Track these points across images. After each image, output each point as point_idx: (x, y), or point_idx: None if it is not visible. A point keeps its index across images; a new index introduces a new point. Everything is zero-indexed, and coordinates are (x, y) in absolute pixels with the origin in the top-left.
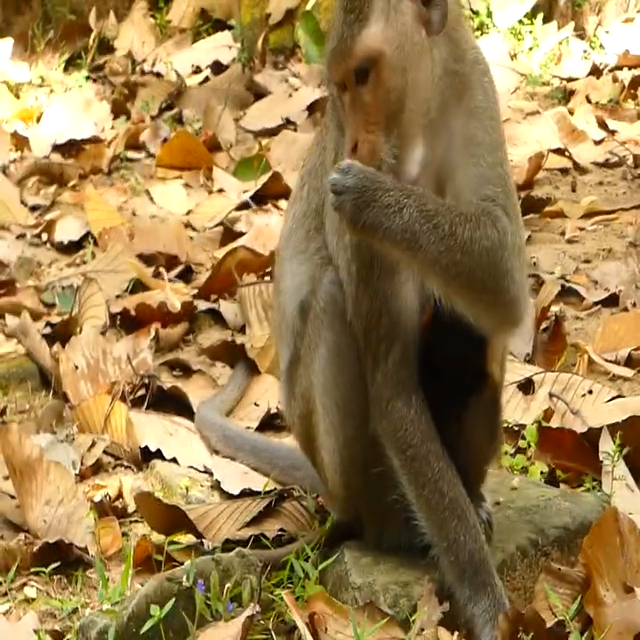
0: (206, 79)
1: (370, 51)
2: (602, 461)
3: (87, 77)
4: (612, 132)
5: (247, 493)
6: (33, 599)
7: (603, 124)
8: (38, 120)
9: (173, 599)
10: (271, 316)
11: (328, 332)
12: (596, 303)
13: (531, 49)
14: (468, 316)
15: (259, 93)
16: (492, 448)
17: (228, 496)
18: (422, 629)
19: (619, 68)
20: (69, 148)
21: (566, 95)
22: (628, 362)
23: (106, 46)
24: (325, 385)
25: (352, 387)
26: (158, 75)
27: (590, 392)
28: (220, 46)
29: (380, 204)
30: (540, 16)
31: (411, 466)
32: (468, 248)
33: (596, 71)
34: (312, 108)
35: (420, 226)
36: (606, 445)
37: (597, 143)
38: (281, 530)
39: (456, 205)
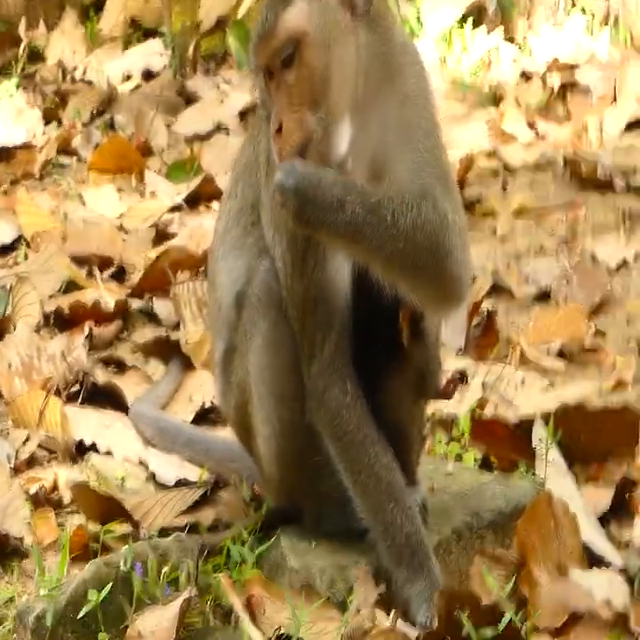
0: (137, 86)
1: (293, 31)
2: (535, 448)
3: (17, 86)
4: (542, 136)
5: (182, 483)
6: None
7: (532, 127)
8: None
9: (111, 584)
10: (206, 311)
11: (263, 321)
12: (527, 298)
13: (461, 54)
14: (410, 297)
15: (190, 99)
16: (417, 422)
17: (164, 487)
18: (359, 610)
19: (548, 72)
20: (0, 154)
21: (496, 100)
22: (560, 355)
23: (36, 55)
24: (261, 373)
25: (288, 375)
26: (89, 83)
27: (523, 382)
28: (151, 54)
29: (323, 201)
30: (470, 21)
31: (347, 452)
32: (410, 236)
33: (525, 76)
34: (244, 114)
35: (362, 219)
36: (540, 432)
37: (528, 146)
38: (217, 518)
39: (397, 193)
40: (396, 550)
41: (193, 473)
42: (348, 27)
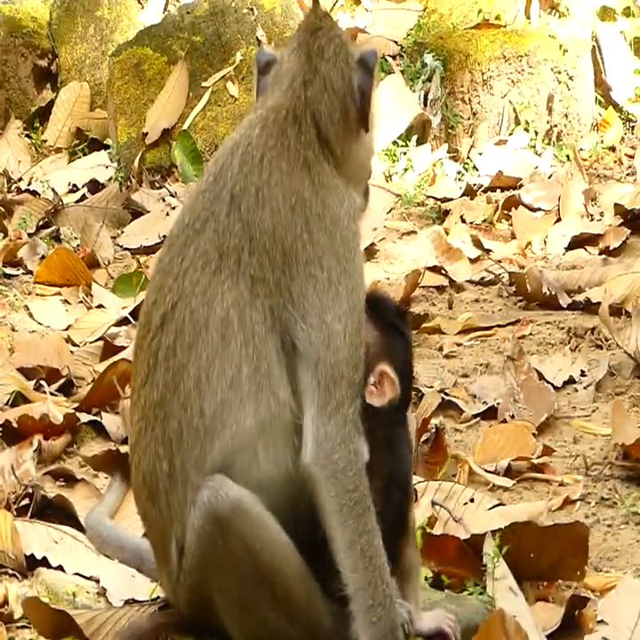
0: (83, 197)
1: None
2: (485, 565)
3: None
4: (487, 251)
5: (134, 600)
6: None
7: (478, 243)
8: None
9: None
10: None
11: None
12: (474, 416)
13: (405, 170)
14: None
15: (136, 212)
16: None
17: (115, 603)
18: None
19: (492, 188)
20: None
21: (441, 215)
22: (508, 472)
23: None
24: None
25: None
26: (34, 193)
27: (472, 500)
28: (97, 165)
29: None
30: (414, 138)
31: None
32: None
33: (469, 192)
34: None
35: None
36: (489, 549)
37: (473, 261)
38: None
39: None
40: None
41: (145, 588)
42: None
